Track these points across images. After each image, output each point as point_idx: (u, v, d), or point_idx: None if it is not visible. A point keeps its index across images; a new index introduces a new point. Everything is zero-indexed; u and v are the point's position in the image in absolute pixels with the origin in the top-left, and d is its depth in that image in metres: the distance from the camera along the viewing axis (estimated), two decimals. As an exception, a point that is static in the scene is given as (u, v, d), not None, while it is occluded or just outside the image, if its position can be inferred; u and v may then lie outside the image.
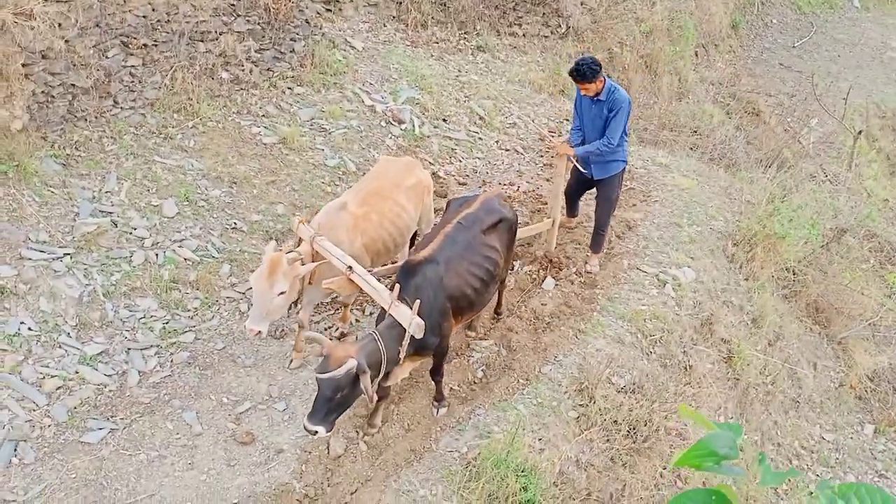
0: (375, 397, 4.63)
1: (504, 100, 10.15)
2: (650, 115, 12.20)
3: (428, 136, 8.84)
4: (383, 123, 8.76)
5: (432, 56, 10.41)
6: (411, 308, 4.60)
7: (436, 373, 5.32)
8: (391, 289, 4.77)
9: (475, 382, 5.76)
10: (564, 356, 5.94)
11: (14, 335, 5.32)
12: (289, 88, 8.50)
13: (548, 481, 5.00)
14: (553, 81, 11.38)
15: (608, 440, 5.53)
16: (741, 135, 13.17)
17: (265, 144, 7.75)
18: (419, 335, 4.60)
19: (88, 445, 4.93)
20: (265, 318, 5.01)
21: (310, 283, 5.33)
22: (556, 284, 6.78)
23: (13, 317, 5.41)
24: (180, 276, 6.19)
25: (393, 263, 5.75)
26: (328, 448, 5.04)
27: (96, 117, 6.90)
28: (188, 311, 6.06)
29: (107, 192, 6.48)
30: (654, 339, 6.37)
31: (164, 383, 5.50)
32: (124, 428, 5.10)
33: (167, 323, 5.90)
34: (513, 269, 6.88)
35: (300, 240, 5.32)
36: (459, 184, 8.39)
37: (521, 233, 6.31)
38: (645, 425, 5.63)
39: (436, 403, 5.46)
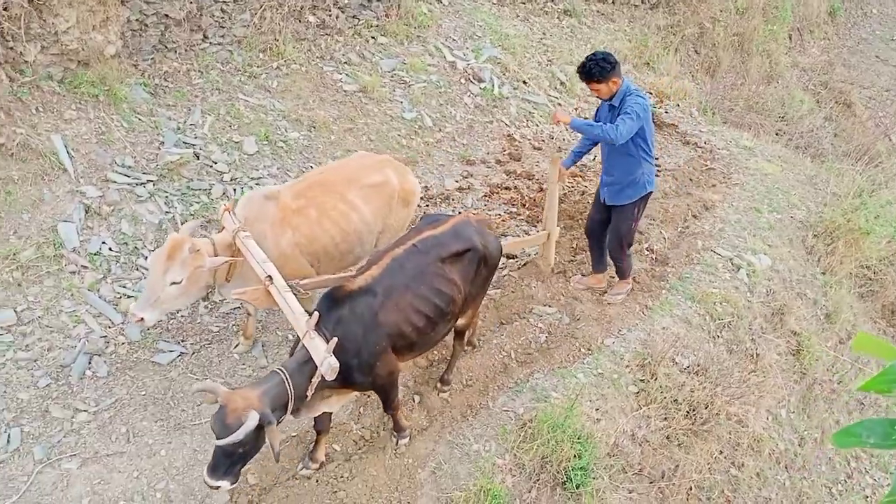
0: (279, 453, 3.70)
1: (587, 67, 9.92)
2: (736, 97, 11.80)
3: (506, 98, 8.72)
4: (462, 81, 8.68)
5: (517, 16, 10.23)
6: (328, 343, 3.82)
7: (386, 407, 4.60)
8: (310, 315, 3.96)
9: (536, 347, 5.72)
10: (629, 330, 5.85)
11: (95, 254, 5.51)
12: (372, 38, 8.47)
13: (602, 451, 4.97)
14: (639, 53, 11.09)
15: (666, 418, 5.45)
16: (830, 125, 12.66)
17: (345, 92, 7.76)
18: (330, 377, 3.81)
19: (159, 366, 5.10)
20: (154, 305, 4.33)
21: (227, 280, 4.64)
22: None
23: (95, 236, 5.59)
24: (255, 213, 6.28)
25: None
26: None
27: (185, 50, 7.01)
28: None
29: (191, 124, 6.60)
30: (723, 323, 6.22)
31: (233, 315, 5.63)
32: (193, 353, 5.26)
33: (239, 257, 6.02)
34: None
35: (222, 228, 4.66)
36: (534, 148, 8.28)
37: (513, 245, 5.86)
38: (706, 408, 5.53)
39: (394, 434, 4.81)
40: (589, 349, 5.63)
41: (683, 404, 5.49)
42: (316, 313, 3.93)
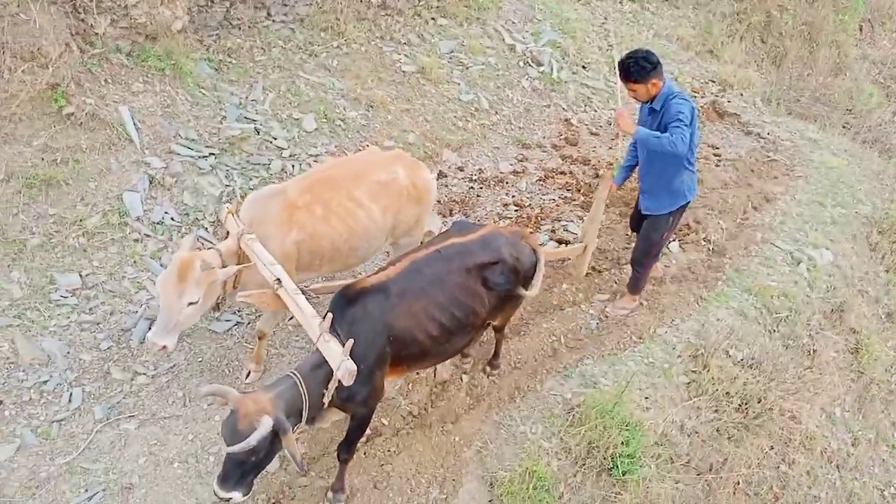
0: (304, 463, 3.50)
1: (648, 53, 9.74)
2: (803, 88, 11.45)
3: (565, 82, 8.63)
4: (521, 64, 8.62)
5: (579, 0, 10.09)
6: (343, 346, 3.64)
7: (346, 447, 4.16)
8: (324, 317, 3.79)
9: (587, 333, 5.69)
10: (682, 320, 5.77)
11: (158, 223, 5.66)
12: (432, 19, 8.47)
13: (650, 440, 4.93)
14: (703, 40, 10.82)
15: (717, 411, 5.37)
16: (900, 120, 12.18)
17: (404, 72, 7.78)
18: (348, 381, 3.63)
19: (215, 334, 5.24)
20: (173, 330, 4.14)
21: (234, 287, 4.44)
22: (682, 248, 6.55)
23: (159, 206, 5.74)
24: (311, 190, 6.37)
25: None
26: (434, 372, 5.14)
27: (249, 27, 7.12)
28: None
29: (252, 100, 6.71)
30: (780, 317, 6.07)
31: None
32: (248, 323, 5.38)
33: (295, 232, 6.11)
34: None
35: (227, 233, 4.46)
36: (591, 133, 8.19)
37: (549, 253, 5.46)
38: (758, 402, 5.43)
39: (330, 494, 4.28)
40: (640, 337, 5.57)
41: (735, 397, 5.40)
42: (329, 315, 3.75)
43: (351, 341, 3.61)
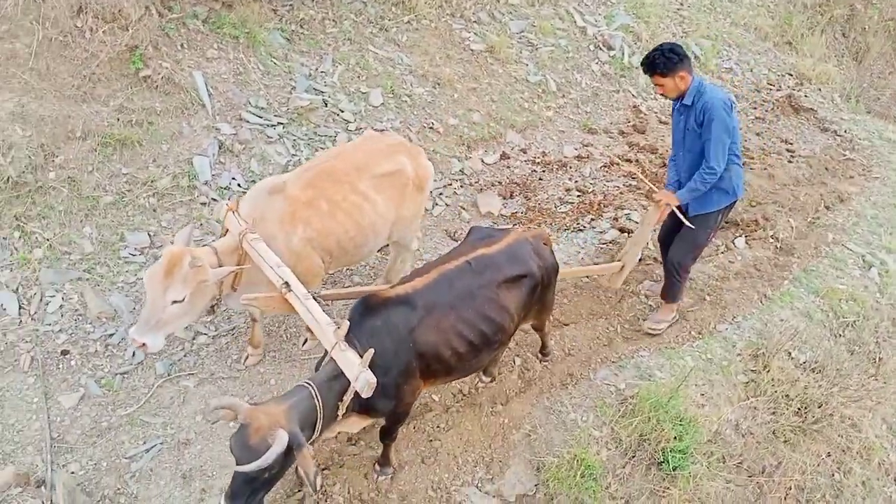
0: (319, 481, 3.17)
1: (724, 42, 9.47)
2: (884, 86, 11.00)
3: (636, 68, 8.43)
4: (591, 47, 8.47)
5: (655, -15, 9.84)
6: (361, 356, 3.41)
7: (386, 435, 4.14)
8: (339, 326, 3.53)
9: (643, 326, 5.60)
10: (744, 318, 5.63)
11: (225, 188, 5.77)
12: (505, -3, 8.37)
13: (703, 437, 4.84)
14: (781, 31, 10.47)
15: (774, 413, 5.23)
16: None
17: (472, 50, 7.72)
18: (367, 393, 3.39)
19: (275, 300, 5.32)
20: (156, 328, 3.80)
21: (233, 288, 4.15)
22: (748, 245, 6.38)
23: (226, 171, 5.84)
24: (375, 164, 6.40)
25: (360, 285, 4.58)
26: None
27: (322, -1, 7.17)
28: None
29: (322, 71, 6.75)
30: (847, 322, 5.88)
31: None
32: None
33: (357, 205, 6.16)
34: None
35: (226, 231, 4.18)
36: (661, 122, 8.01)
37: (581, 270, 5.40)
38: (818, 407, 5.27)
39: (377, 467, 4.32)
40: (700, 333, 5.46)
41: (795, 400, 5.25)
42: (346, 322, 3.50)
43: (371, 351, 3.37)
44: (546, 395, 4.99)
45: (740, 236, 6.41)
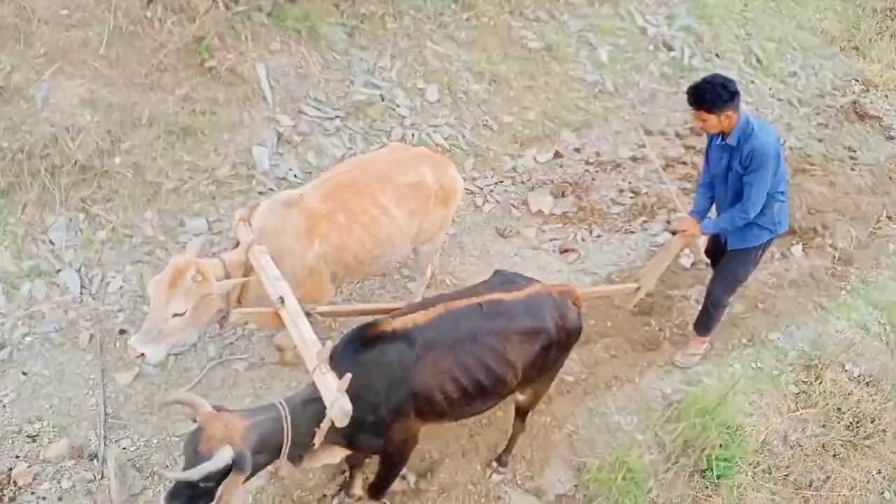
0: None
1: (789, 45, 9.23)
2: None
3: (696, 69, 8.29)
4: (651, 48, 8.35)
5: (719, -15, 9.65)
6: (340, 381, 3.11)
7: (376, 488, 3.93)
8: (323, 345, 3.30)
9: (691, 332, 5.53)
10: (798, 328, 5.52)
11: (282, 178, 5.90)
12: (564, -4, 8.33)
13: (749, 447, 4.78)
14: (849, 35, 10.13)
15: (825, 426, 5.12)
16: None
17: (530, 49, 7.71)
18: (341, 423, 3.10)
19: (326, 290, 5.43)
20: (157, 339, 3.67)
21: (239, 302, 4.00)
22: (805, 253, 6.24)
23: (284, 162, 5.99)
24: (429, 159, 6.46)
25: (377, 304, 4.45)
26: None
27: (383, -6, 7.25)
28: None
29: (380, 66, 6.84)
30: (907, 336, 5.71)
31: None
32: (358, 283, 5.54)
33: (409, 199, 6.23)
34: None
35: (237, 243, 4.03)
36: (719, 126, 7.86)
37: (596, 290, 5.10)
38: (871, 422, 5.14)
39: None
40: (750, 340, 5.38)
41: (847, 414, 5.13)
42: (329, 343, 3.28)
43: (348, 376, 3.05)
44: (590, 397, 4.99)
45: (797, 244, 6.27)
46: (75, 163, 5.24)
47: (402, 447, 3.66)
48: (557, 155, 7.02)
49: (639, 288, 5.02)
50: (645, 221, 6.47)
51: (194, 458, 2.86)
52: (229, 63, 6.01)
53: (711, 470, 4.59)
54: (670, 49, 8.34)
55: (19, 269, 4.99)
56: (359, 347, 3.38)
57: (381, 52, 6.95)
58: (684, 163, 7.19)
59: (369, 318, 3.63)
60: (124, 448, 4.34)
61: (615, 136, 7.43)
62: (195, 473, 2.79)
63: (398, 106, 6.63)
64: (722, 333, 5.43)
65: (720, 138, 4.37)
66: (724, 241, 4.87)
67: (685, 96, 4.32)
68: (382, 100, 6.61)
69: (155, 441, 4.43)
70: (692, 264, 5.88)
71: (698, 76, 8.04)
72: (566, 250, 6.11)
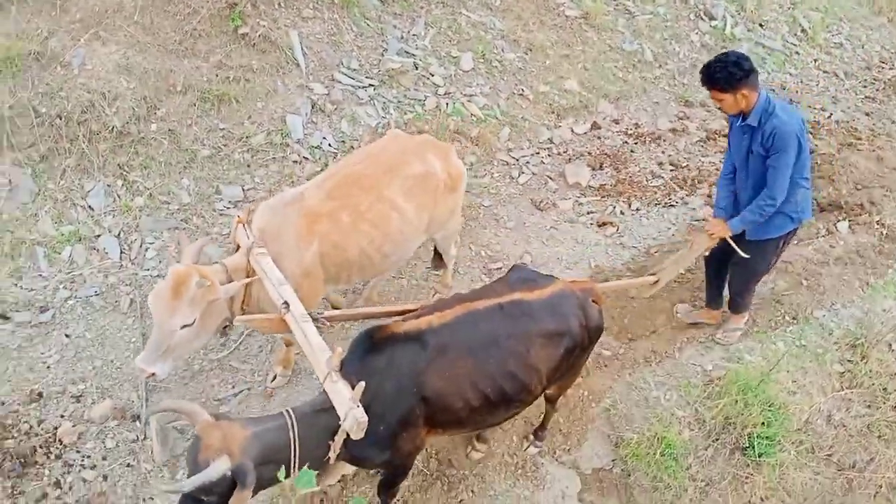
0: None
1: (835, 15, 8.94)
2: None
3: (738, 39, 8.07)
4: (692, 16, 8.13)
5: (763, -47, 9.35)
6: (353, 389, 2.90)
7: (385, 487, 3.70)
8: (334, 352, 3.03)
9: (733, 306, 5.41)
10: (843, 306, 5.36)
11: (316, 147, 5.84)
12: (603, -37, 8.11)
13: (792, 425, 4.66)
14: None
15: (870, 406, 4.98)
16: None
17: (566, 16, 7.53)
18: (357, 434, 2.87)
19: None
20: (165, 355, 3.51)
21: (243, 307, 3.81)
22: (851, 230, 6.05)
23: (318, 131, 5.91)
24: (463, 129, 6.35)
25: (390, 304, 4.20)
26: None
27: (417, -40, 7.10)
28: (464, 164, 6.22)
29: (414, 34, 6.72)
30: (956, 315, 5.52)
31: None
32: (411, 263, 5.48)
33: (443, 170, 6.13)
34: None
35: (237, 247, 3.83)
36: (761, 98, 7.64)
37: (615, 285, 4.73)
38: (919, 403, 5.00)
39: None
40: (794, 318, 5.24)
41: (893, 395, 4.98)
42: (339, 349, 3.00)
43: (361, 385, 2.86)
44: (628, 371, 4.91)
45: (843, 220, 6.08)
46: (112, 129, 5.22)
47: (408, 459, 3.45)
48: (595, 126, 6.87)
49: (657, 281, 4.72)
50: (686, 195, 6.31)
51: (193, 467, 2.72)
52: (262, 30, 5.93)
53: (753, 448, 4.48)
54: (712, 18, 8.11)
55: (60, 233, 5.00)
56: (367, 351, 3.16)
57: (414, 20, 6.81)
58: (726, 136, 6.99)
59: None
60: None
61: (654, 108, 7.26)
62: (186, 485, 2.65)
63: (432, 75, 6.51)
64: (765, 310, 5.30)
65: (740, 119, 4.17)
66: (729, 249, 4.53)
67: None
68: (416, 68, 6.49)
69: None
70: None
71: (741, 47, 7.89)
72: (604, 223, 5.99)
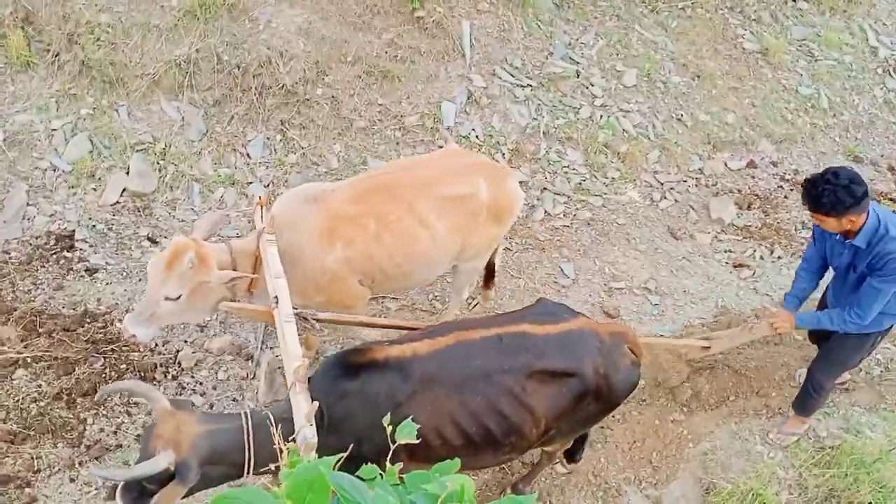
0: None
1: None
2: None
3: (928, 102, 7.49)
4: (880, 70, 7.61)
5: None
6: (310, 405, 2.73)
7: None
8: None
9: (865, 378, 5.06)
10: None
11: (464, 137, 5.98)
12: (793, 0, 7.75)
13: (904, 514, 4.32)
14: None
15: None
16: None
17: (744, 49, 7.26)
18: (305, 453, 2.55)
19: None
20: (149, 321, 3.44)
21: (250, 292, 3.68)
22: None
23: (469, 122, 6.05)
24: (612, 144, 6.30)
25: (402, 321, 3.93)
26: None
27: (601, -29, 7.09)
28: (606, 178, 6.19)
29: (582, 42, 6.71)
30: None
31: (561, 231, 5.79)
32: (515, 254, 5.55)
33: (584, 181, 6.12)
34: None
35: (254, 227, 3.75)
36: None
37: (662, 342, 4.58)
38: None
39: None
40: (928, 402, 4.85)
41: None
42: (305, 361, 2.90)
43: (315, 404, 2.69)
44: (735, 420, 4.72)
45: None
46: (282, 86, 5.58)
47: None
48: (751, 164, 6.60)
49: (708, 347, 4.37)
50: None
51: (143, 453, 2.68)
52: (437, 16, 6.13)
53: (855, 527, 4.21)
54: (903, 75, 7.56)
55: (217, 174, 5.43)
56: (341, 374, 2.98)
57: (585, 28, 6.81)
58: (893, 199, 6.53)
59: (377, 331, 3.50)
60: (277, 355, 4.62)
61: (819, 157, 6.87)
62: (120, 474, 2.67)
63: (592, 85, 6.48)
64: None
65: (848, 239, 3.72)
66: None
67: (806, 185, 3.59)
68: (577, 76, 6.49)
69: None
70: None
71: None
72: (740, 265, 5.77)
